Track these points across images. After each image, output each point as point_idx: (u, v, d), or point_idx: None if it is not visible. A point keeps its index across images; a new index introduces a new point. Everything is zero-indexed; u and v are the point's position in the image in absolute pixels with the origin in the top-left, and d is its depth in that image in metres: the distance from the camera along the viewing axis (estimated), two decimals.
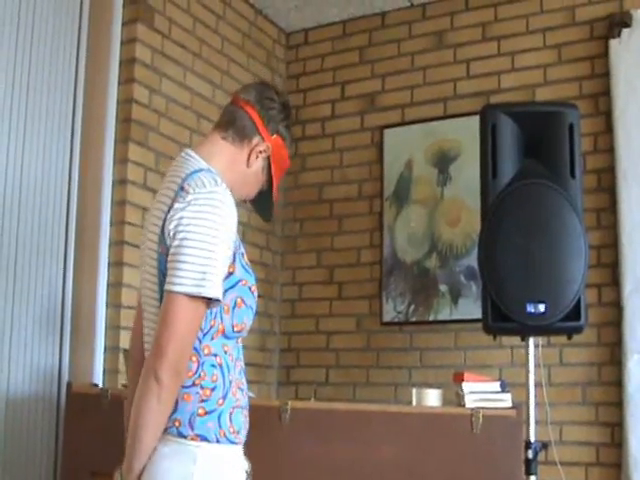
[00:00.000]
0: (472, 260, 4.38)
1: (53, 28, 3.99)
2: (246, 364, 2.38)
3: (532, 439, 3.34)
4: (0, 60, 3.71)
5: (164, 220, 2.16)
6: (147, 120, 4.21)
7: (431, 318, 4.64)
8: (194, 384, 2.17)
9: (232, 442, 2.21)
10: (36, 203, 3.85)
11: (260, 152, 2.38)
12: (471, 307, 4.44)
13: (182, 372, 2.12)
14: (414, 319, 4.68)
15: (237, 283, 2.25)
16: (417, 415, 3.00)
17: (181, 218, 2.12)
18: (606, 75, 4.38)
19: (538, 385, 3.53)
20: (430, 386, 3.33)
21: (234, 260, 2.24)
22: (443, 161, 4.74)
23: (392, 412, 3.03)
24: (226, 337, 2.25)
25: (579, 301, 3.34)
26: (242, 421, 2.27)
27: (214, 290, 2.11)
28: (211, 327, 2.20)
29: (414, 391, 3.19)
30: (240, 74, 4.95)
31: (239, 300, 2.25)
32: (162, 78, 4.32)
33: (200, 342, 2.19)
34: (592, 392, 4.19)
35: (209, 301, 2.14)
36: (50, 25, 3.98)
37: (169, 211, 2.16)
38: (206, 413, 2.17)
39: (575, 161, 3.43)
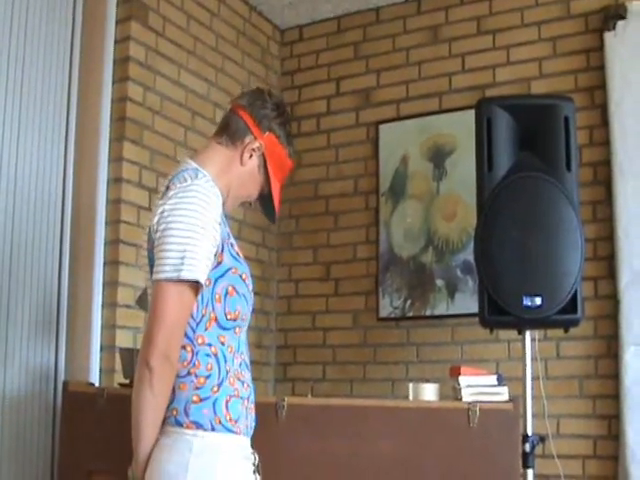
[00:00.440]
0: (468, 254, 4.39)
1: (47, 27, 3.98)
2: None
3: (529, 432, 3.34)
4: None
5: (152, 218, 2.26)
6: (142, 118, 4.20)
7: (428, 313, 4.63)
8: (189, 373, 2.23)
9: (229, 430, 2.25)
10: (31, 202, 3.84)
11: (253, 150, 2.44)
12: (468, 301, 4.43)
13: (173, 358, 2.17)
14: (411, 314, 4.68)
15: (227, 272, 2.29)
16: (414, 410, 3.00)
17: (162, 212, 2.22)
18: (601, 68, 4.37)
19: (535, 378, 3.53)
20: (427, 381, 3.32)
21: (222, 250, 2.28)
22: (439, 156, 4.74)
23: (389, 407, 3.03)
24: (221, 327, 2.28)
25: (575, 294, 3.33)
26: (241, 411, 2.29)
27: (193, 273, 2.16)
28: (203, 316, 2.25)
29: (411, 386, 3.18)
30: (235, 71, 4.94)
31: (230, 288, 2.29)
32: (156, 76, 4.32)
33: (194, 332, 2.25)
34: (589, 385, 4.19)
35: (195, 286, 2.20)
36: (44, 24, 3.97)
37: (156, 209, 2.25)
38: (200, 400, 2.22)
39: (571, 154, 3.43)
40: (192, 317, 2.25)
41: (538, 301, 3.31)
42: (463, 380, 3.09)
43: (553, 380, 4.19)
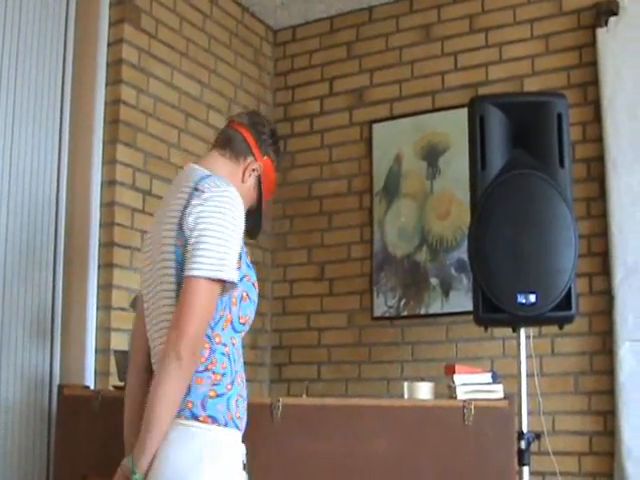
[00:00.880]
0: (462, 253, 4.38)
1: (39, 30, 3.98)
2: None
3: (525, 430, 3.35)
4: None
5: (181, 217, 2.36)
6: (135, 121, 4.20)
7: (422, 312, 4.63)
8: (206, 369, 2.35)
9: (237, 427, 2.38)
10: (24, 205, 3.84)
11: (253, 170, 2.63)
12: (462, 300, 4.43)
13: (198, 352, 2.31)
14: (405, 313, 4.67)
15: (243, 278, 2.45)
16: (409, 408, 2.99)
17: (201, 212, 2.34)
18: (594, 64, 4.37)
19: (530, 376, 3.54)
20: (422, 380, 3.32)
21: (240, 257, 2.44)
22: (432, 154, 4.74)
23: (384, 406, 3.03)
24: (234, 330, 2.45)
25: (570, 291, 3.34)
26: (244, 410, 2.43)
27: (231, 274, 2.33)
28: (221, 317, 2.39)
29: (406, 385, 3.18)
30: (228, 72, 4.94)
31: (244, 294, 2.46)
32: (149, 78, 4.32)
33: (212, 330, 2.38)
34: (584, 381, 4.19)
35: (223, 286, 2.35)
36: (36, 27, 3.97)
37: (185, 209, 2.36)
38: (217, 395, 2.34)
39: (564, 151, 3.43)
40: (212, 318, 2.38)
41: (532, 298, 3.32)
42: (458, 378, 3.09)
43: (548, 377, 4.19)
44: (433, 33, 4.91)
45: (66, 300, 3.94)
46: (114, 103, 4.13)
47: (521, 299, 3.32)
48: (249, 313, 2.49)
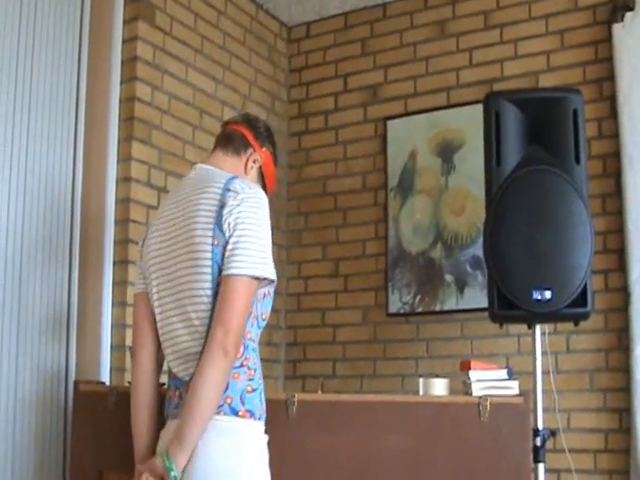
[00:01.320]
0: (477, 249, 4.37)
1: (54, 28, 3.99)
2: None
3: (540, 426, 3.34)
4: (2, 61, 3.71)
5: (218, 218, 2.44)
6: (150, 118, 4.20)
7: (437, 308, 4.62)
8: (242, 365, 2.45)
9: (265, 421, 2.49)
10: (40, 202, 3.85)
11: (254, 161, 2.76)
12: (477, 296, 4.42)
13: (240, 347, 2.43)
14: (420, 310, 4.67)
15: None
16: (424, 405, 2.98)
17: (240, 212, 2.43)
18: (610, 60, 4.35)
19: (545, 373, 3.54)
20: (437, 376, 3.32)
21: None
22: (447, 151, 4.73)
23: (399, 402, 3.02)
24: (259, 326, 2.56)
25: (585, 287, 3.33)
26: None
27: (272, 272, 2.47)
28: (250, 314, 2.47)
29: (421, 381, 3.17)
30: (242, 69, 4.94)
31: (267, 292, 2.56)
32: (164, 75, 4.32)
33: (244, 328, 2.45)
34: (600, 378, 4.17)
35: (259, 283, 2.45)
36: (51, 25, 3.97)
37: (221, 209, 2.45)
38: (253, 390, 2.45)
39: (580, 147, 3.42)
40: None
41: (548, 295, 3.31)
42: (473, 375, 3.08)
43: (563, 374, 4.18)
44: (448, 29, 4.90)
45: (81, 297, 3.95)
46: (129, 100, 4.13)
47: (536, 295, 3.31)
48: (269, 309, 2.60)
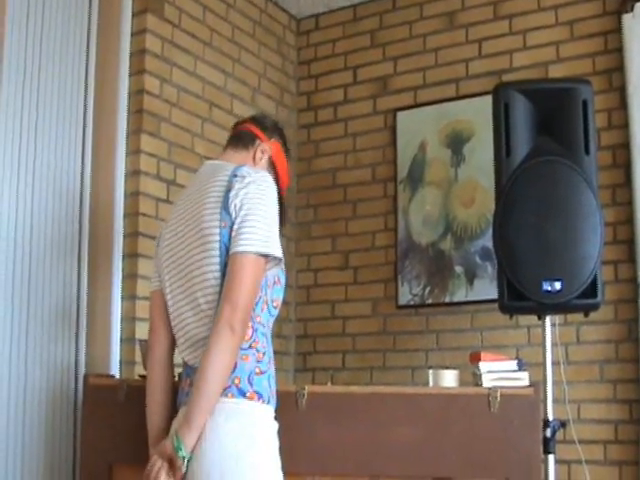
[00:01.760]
0: (487, 241, 4.37)
1: (63, 21, 3.99)
2: None
3: (550, 418, 3.34)
4: (10, 54, 3.71)
5: (224, 200, 2.47)
6: (159, 110, 4.21)
7: (447, 300, 4.62)
8: (251, 347, 2.46)
9: (274, 406, 2.50)
10: (49, 196, 3.86)
11: (263, 151, 2.77)
12: (487, 287, 4.42)
13: (248, 325, 2.43)
14: (430, 301, 4.67)
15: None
16: (434, 396, 2.98)
17: (246, 194, 2.46)
18: (619, 50, 4.33)
19: (555, 364, 3.53)
20: (447, 368, 3.32)
21: None
22: (457, 142, 4.72)
23: (409, 394, 3.02)
24: (269, 313, 2.56)
25: (595, 278, 3.32)
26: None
27: (278, 250, 2.48)
28: (259, 298, 2.49)
29: (430, 372, 3.17)
30: (251, 62, 4.94)
31: (277, 278, 2.57)
32: (173, 68, 4.32)
33: (253, 310, 2.47)
34: (610, 369, 4.17)
35: (267, 262, 2.47)
36: (60, 18, 3.98)
37: (228, 192, 2.47)
38: (261, 372, 2.46)
39: (589, 137, 3.41)
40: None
41: (558, 286, 3.30)
42: (483, 366, 3.07)
43: (573, 365, 4.17)
44: (457, 20, 4.88)
45: (91, 290, 3.96)
46: (138, 93, 4.14)
47: (546, 286, 3.31)
48: (280, 297, 2.61)
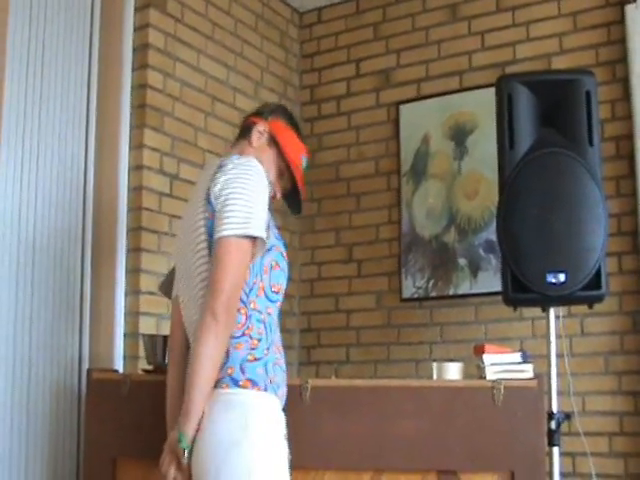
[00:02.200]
0: (491, 233, 4.37)
1: (66, 16, 3.99)
2: None
3: (554, 410, 3.33)
4: (13, 50, 3.71)
5: (208, 192, 2.46)
6: (162, 105, 4.21)
7: (451, 292, 4.62)
8: (244, 334, 2.42)
9: (275, 392, 2.44)
10: (52, 191, 3.86)
11: (260, 132, 2.71)
12: (491, 280, 4.41)
13: (234, 309, 2.37)
14: (434, 294, 4.66)
15: (272, 248, 2.53)
16: (438, 389, 2.98)
17: (225, 180, 2.43)
18: (622, 41, 4.32)
19: (560, 356, 3.53)
20: (451, 360, 3.31)
21: (268, 228, 2.51)
22: (460, 134, 4.71)
23: (413, 387, 3.01)
24: (268, 299, 2.51)
25: (599, 270, 3.31)
26: (282, 379, 2.50)
27: (258, 230, 2.40)
28: (254, 284, 2.46)
29: (434, 365, 3.17)
30: (254, 55, 4.93)
31: (274, 263, 2.52)
32: (176, 62, 4.32)
33: (247, 296, 2.45)
34: (614, 361, 4.16)
35: (253, 244, 2.42)
36: (63, 13, 3.98)
37: (211, 183, 2.46)
38: (255, 359, 2.41)
39: (593, 129, 3.40)
40: (246, 283, 2.45)
41: (562, 277, 3.30)
42: (487, 358, 3.07)
43: (578, 357, 4.17)
44: (460, 12, 4.87)
45: (95, 285, 3.96)
46: (141, 88, 4.14)
47: (550, 278, 3.30)
48: (281, 282, 2.55)
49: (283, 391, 2.52)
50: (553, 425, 3.28)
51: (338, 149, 5.14)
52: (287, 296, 2.71)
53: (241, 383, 2.36)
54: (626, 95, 4.28)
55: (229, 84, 4.69)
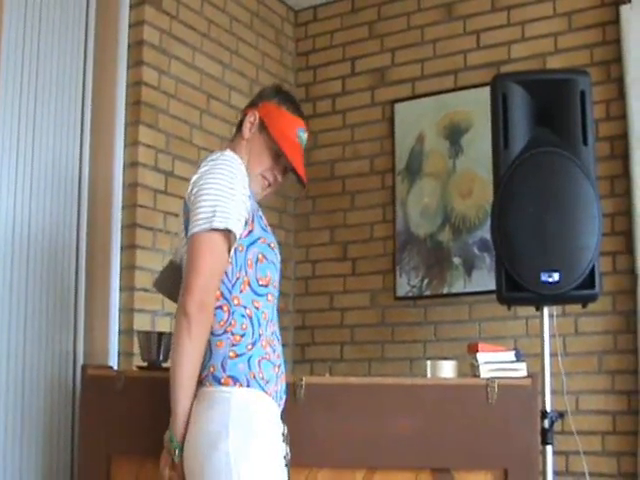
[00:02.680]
0: (485, 232, 4.38)
1: (61, 13, 3.98)
2: None
3: (548, 409, 3.34)
4: (8, 46, 3.71)
5: (187, 195, 2.47)
6: (157, 102, 4.20)
7: (445, 291, 4.62)
8: (225, 331, 2.40)
9: (262, 388, 2.40)
10: (47, 187, 3.85)
11: (251, 122, 2.66)
12: (485, 279, 4.42)
13: (209, 305, 2.35)
14: (428, 293, 4.67)
15: (257, 240, 2.50)
16: (432, 387, 2.99)
17: (196, 180, 2.44)
18: (617, 41, 4.33)
19: (554, 355, 3.54)
20: (445, 359, 3.32)
21: (253, 220, 2.49)
22: (455, 133, 4.72)
23: (407, 385, 3.02)
24: (255, 293, 2.47)
25: (593, 269, 3.32)
26: (272, 374, 2.46)
27: (224, 223, 2.35)
28: (237, 279, 2.43)
29: (429, 363, 3.17)
30: (249, 53, 4.93)
31: (260, 256, 2.49)
32: (171, 59, 4.32)
33: (230, 292, 2.43)
34: (608, 361, 4.17)
35: (227, 237, 2.39)
36: (58, 10, 3.97)
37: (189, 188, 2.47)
38: (237, 356, 2.39)
39: (587, 128, 3.41)
40: (227, 278, 2.43)
41: (556, 277, 3.31)
42: (481, 356, 3.07)
43: (572, 356, 4.18)
44: (455, 12, 4.88)
45: (89, 281, 3.96)
46: (136, 85, 4.13)
47: (544, 277, 3.31)
48: (269, 274, 2.52)
49: (276, 387, 2.48)
50: (546, 424, 3.29)
51: (333, 147, 5.14)
52: (281, 294, 2.71)
53: (222, 381, 2.36)
54: (620, 95, 4.28)
55: (224, 81, 4.69)
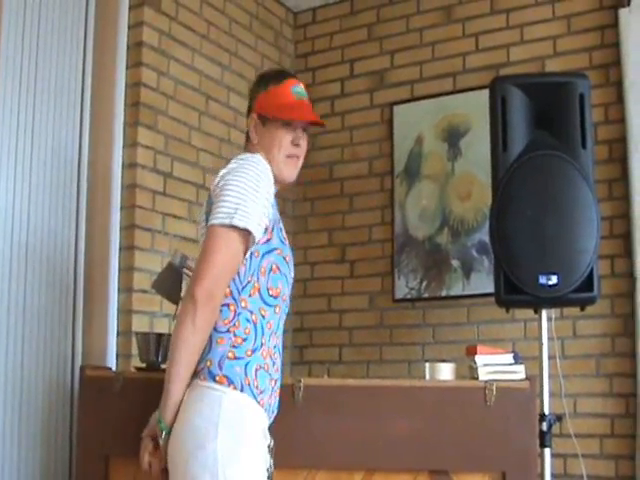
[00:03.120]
0: (484, 234, 4.38)
1: (60, 13, 3.98)
2: None
3: (546, 411, 3.35)
4: (8, 47, 3.71)
5: (212, 188, 2.48)
6: (156, 103, 4.20)
7: (443, 294, 4.62)
8: (228, 331, 2.40)
9: (255, 396, 2.37)
10: (46, 189, 3.85)
11: (253, 126, 2.63)
12: (483, 281, 4.42)
13: (217, 298, 2.35)
14: (426, 295, 4.67)
15: (273, 250, 2.49)
16: (430, 389, 2.99)
17: (223, 175, 2.44)
18: (616, 45, 4.33)
19: (552, 358, 3.54)
20: (443, 361, 3.32)
21: (272, 229, 2.50)
22: (453, 136, 4.72)
23: (405, 387, 3.02)
24: (264, 301, 2.47)
25: (592, 272, 3.33)
26: (267, 386, 2.43)
27: (244, 222, 2.35)
28: (248, 282, 2.43)
29: (427, 365, 3.18)
30: (248, 55, 4.93)
31: (274, 266, 2.49)
32: (170, 61, 4.32)
33: (239, 293, 2.43)
34: (606, 364, 4.17)
35: (245, 237, 2.38)
36: (57, 10, 3.97)
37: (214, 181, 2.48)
38: (235, 358, 2.37)
39: (586, 132, 3.42)
40: (239, 279, 2.43)
41: (554, 279, 3.31)
42: (479, 359, 3.08)
43: (570, 359, 4.18)
44: (454, 14, 4.88)
45: (88, 283, 3.95)
46: (135, 86, 4.13)
47: (543, 280, 3.32)
48: (280, 286, 2.51)
49: (270, 400, 2.46)
50: (544, 426, 3.29)
51: (332, 149, 5.14)
52: None
53: (217, 378, 2.35)
54: (619, 98, 4.29)
55: (223, 83, 4.69)
